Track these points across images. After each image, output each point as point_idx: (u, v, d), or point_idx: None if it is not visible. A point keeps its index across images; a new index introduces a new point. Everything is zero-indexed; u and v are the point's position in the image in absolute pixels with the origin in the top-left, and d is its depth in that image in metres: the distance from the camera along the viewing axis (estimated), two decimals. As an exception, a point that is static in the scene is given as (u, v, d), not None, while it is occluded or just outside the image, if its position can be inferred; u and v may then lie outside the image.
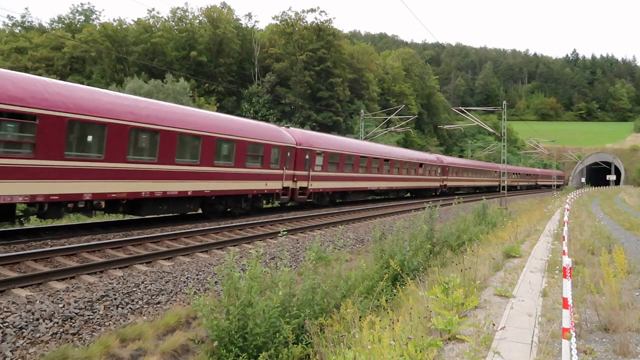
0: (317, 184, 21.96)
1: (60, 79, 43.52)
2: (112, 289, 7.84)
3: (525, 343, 4.69)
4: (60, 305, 6.87)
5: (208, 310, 5.89)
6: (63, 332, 6.29)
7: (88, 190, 11.40)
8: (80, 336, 6.33)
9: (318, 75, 53.19)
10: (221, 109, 48.03)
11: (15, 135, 10.14)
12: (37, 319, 6.37)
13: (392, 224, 14.97)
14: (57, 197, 10.77)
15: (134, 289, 8.01)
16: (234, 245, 12.08)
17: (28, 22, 53.74)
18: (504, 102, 34.88)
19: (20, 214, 11.70)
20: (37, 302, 6.91)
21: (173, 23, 54.36)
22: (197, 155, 14.70)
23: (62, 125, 10.63)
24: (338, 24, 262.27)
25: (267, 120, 49.89)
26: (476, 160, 57.75)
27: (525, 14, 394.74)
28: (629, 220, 18.44)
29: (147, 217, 14.91)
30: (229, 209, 17.31)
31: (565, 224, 10.47)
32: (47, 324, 6.32)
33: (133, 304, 7.50)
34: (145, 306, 7.58)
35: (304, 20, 56.11)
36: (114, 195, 12.09)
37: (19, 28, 50.85)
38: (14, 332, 5.99)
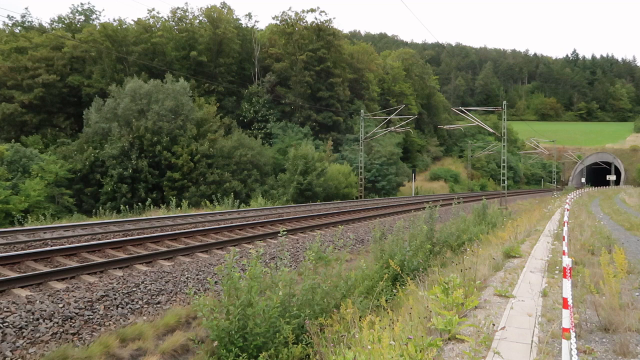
0: None
1: (60, 79, 43.58)
2: (112, 289, 7.84)
3: (525, 343, 4.69)
4: (60, 305, 6.87)
5: (208, 310, 5.89)
6: (63, 332, 6.29)
7: None
8: (80, 336, 6.33)
9: (318, 75, 53.11)
10: (221, 109, 47.97)
11: None
12: (37, 319, 6.37)
13: (392, 224, 14.96)
14: None
15: (134, 289, 8.01)
16: (234, 245, 12.09)
17: (28, 22, 53.58)
18: (504, 102, 34.88)
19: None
20: (37, 302, 6.91)
21: (173, 23, 54.23)
22: None
23: None
24: (338, 24, 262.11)
25: (266, 121, 49.93)
26: None
27: (525, 14, 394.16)
28: (629, 220, 18.42)
29: (147, 217, 14.80)
30: None
31: (565, 224, 10.46)
32: (47, 324, 6.32)
33: (133, 304, 7.50)
34: (145, 306, 7.58)
35: (304, 20, 56.01)
36: None
37: (19, 28, 50.75)
38: (14, 332, 5.99)
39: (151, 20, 54.42)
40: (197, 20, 54.16)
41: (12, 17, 51.91)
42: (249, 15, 76.21)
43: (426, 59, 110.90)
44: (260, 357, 5.41)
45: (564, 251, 6.80)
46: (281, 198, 34.81)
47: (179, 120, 36.78)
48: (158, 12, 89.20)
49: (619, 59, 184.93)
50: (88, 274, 8.66)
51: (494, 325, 5.09)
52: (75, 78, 45.15)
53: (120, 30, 49.42)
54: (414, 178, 54.75)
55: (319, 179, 36.18)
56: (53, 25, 54.13)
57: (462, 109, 36.15)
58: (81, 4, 64.68)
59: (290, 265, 10.52)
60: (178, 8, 59.96)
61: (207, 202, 26.93)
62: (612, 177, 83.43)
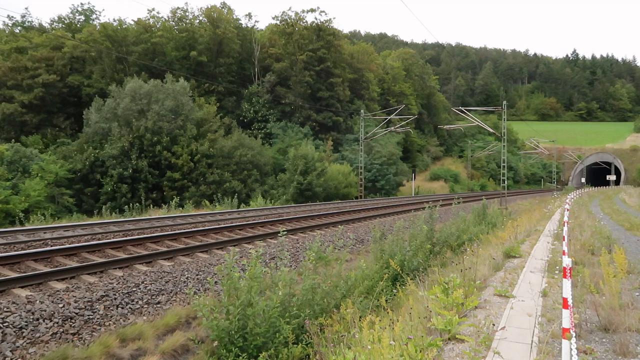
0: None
1: (60, 79, 43.55)
2: (112, 289, 7.84)
3: (525, 343, 4.69)
4: (60, 305, 6.87)
5: (208, 310, 5.89)
6: (63, 332, 6.29)
7: None
8: (80, 336, 6.33)
9: (318, 75, 53.11)
10: (221, 109, 47.95)
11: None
12: (37, 319, 6.37)
13: (392, 224, 14.95)
14: None
15: (134, 289, 8.01)
16: (234, 245, 12.08)
17: (28, 22, 53.57)
18: (504, 102, 34.86)
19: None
20: (37, 302, 6.91)
21: (173, 23, 54.22)
22: None
23: None
24: (338, 24, 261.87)
25: (266, 121, 49.92)
26: None
27: (525, 14, 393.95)
28: (629, 221, 18.41)
29: (147, 217, 14.80)
30: None
31: (565, 224, 10.46)
32: (47, 324, 6.32)
33: (133, 304, 7.50)
34: (145, 306, 7.57)
35: (304, 20, 56.01)
36: None
37: (19, 28, 50.75)
38: (14, 332, 5.99)
39: (151, 20, 54.45)
40: (197, 20, 54.17)
41: (12, 17, 51.93)
42: (249, 15, 76.22)
43: (426, 59, 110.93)
44: (260, 357, 5.41)
45: (564, 251, 6.80)
46: (281, 198, 34.81)
47: (179, 120, 36.78)
48: (158, 12, 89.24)
49: (619, 59, 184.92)
50: (88, 274, 8.66)
51: (494, 325, 5.09)
52: (75, 78, 45.14)
53: (120, 30, 49.42)
54: (414, 178, 54.76)
55: (319, 179, 36.18)
56: (53, 25, 54.15)
57: (462, 109, 36.14)
58: (81, 4, 64.71)
59: (290, 265, 10.51)
60: (178, 8, 59.96)
61: (207, 202, 26.95)
62: (612, 177, 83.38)
